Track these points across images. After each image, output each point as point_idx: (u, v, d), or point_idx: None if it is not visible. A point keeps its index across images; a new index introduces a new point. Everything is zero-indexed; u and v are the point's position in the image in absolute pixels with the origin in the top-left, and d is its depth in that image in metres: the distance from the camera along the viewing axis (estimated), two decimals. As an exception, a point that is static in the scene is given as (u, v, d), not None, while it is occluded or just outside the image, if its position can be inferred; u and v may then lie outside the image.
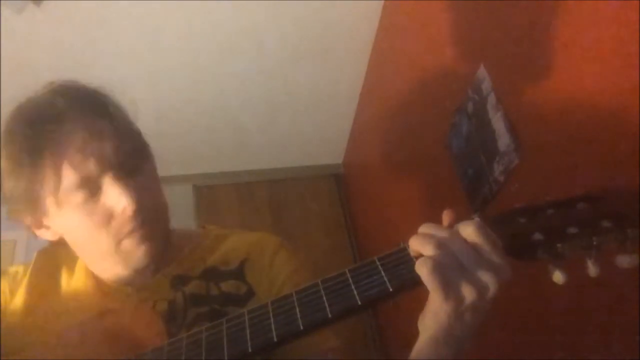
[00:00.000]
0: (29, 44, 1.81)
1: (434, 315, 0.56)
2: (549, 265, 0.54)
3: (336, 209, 2.64)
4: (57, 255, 0.87)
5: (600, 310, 0.94)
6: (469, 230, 0.54)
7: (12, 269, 0.86)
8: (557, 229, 0.55)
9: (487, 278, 0.53)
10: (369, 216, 2.45)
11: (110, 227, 0.72)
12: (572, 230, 0.54)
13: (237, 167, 2.63)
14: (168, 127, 2.17)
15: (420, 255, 0.56)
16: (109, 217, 0.72)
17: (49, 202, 0.72)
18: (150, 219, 0.75)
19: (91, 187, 0.71)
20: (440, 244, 0.54)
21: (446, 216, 0.60)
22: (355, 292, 0.57)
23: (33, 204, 0.73)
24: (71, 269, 0.84)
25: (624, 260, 0.52)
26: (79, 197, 0.71)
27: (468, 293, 0.53)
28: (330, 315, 0.57)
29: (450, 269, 0.53)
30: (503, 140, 1.19)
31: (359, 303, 0.56)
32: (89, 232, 0.73)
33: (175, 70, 2.01)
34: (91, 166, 0.70)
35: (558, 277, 0.53)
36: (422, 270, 0.53)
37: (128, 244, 0.74)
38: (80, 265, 0.84)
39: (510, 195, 1.18)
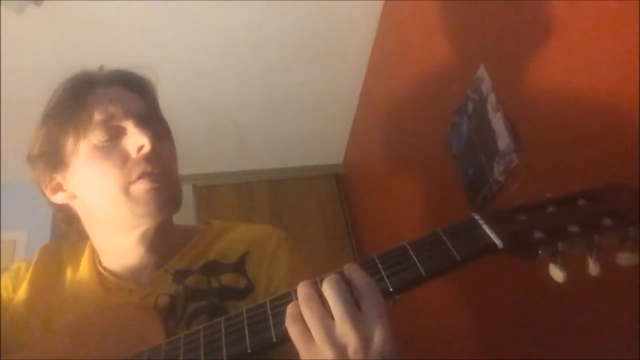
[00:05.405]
0: (29, 44, 1.81)
1: None
2: (549, 263, 0.54)
3: (336, 209, 2.64)
4: (60, 252, 0.87)
5: (600, 308, 0.94)
6: (325, 288, 0.54)
7: (14, 265, 0.86)
8: (558, 228, 0.54)
9: (347, 336, 0.50)
10: (369, 216, 2.45)
11: (124, 168, 0.75)
12: (573, 228, 0.54)
13: (237, 167, 2.63)
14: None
15: None
16: (125, 159, 0.76)
17: (70, 147, 0.76)
18: (163, 171, 0.77)
19: (113, 130, 0.76)
20: (306, 305, 0.54)
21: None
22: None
23: (55, 157, 0.78)
24: (76, 266, 0.84)
25: (625, 259, 0.52)
26: (100, 136, 0.76)
27: (329, 354, 0.50)
28: None
29: (312, 330, 0.52)
30: (503, 140, 1.19)
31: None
32: (103, 176, 0.75)
33: (175, 70, 2.01)
34: (117, 110, 0.77)
35: (559, 275, 0.52)
36: (292, 330, 0.53)
37: (138, 186, 0.75)
38: (85, 262, 0.84)
39: (510, 195, 1.18)
